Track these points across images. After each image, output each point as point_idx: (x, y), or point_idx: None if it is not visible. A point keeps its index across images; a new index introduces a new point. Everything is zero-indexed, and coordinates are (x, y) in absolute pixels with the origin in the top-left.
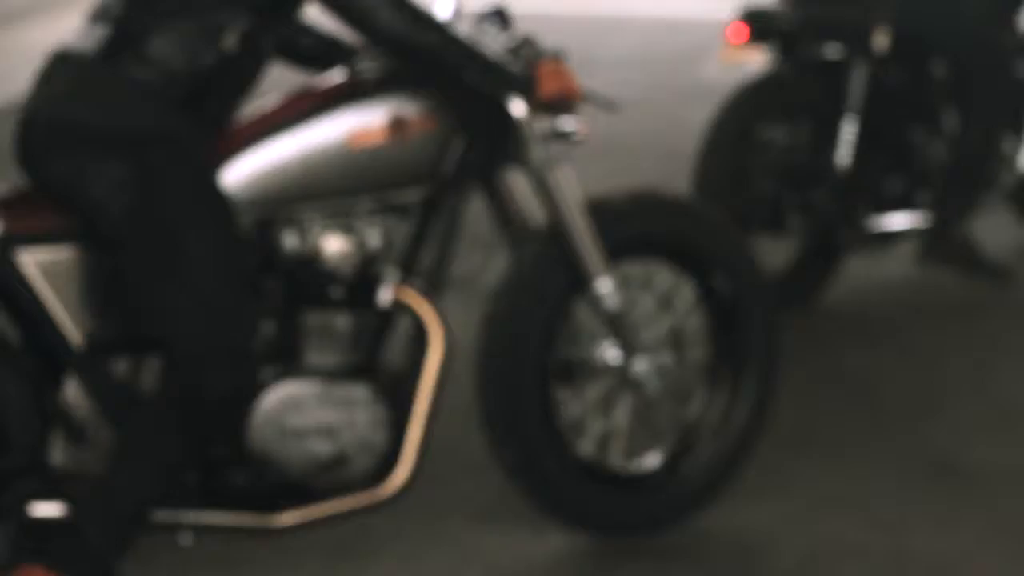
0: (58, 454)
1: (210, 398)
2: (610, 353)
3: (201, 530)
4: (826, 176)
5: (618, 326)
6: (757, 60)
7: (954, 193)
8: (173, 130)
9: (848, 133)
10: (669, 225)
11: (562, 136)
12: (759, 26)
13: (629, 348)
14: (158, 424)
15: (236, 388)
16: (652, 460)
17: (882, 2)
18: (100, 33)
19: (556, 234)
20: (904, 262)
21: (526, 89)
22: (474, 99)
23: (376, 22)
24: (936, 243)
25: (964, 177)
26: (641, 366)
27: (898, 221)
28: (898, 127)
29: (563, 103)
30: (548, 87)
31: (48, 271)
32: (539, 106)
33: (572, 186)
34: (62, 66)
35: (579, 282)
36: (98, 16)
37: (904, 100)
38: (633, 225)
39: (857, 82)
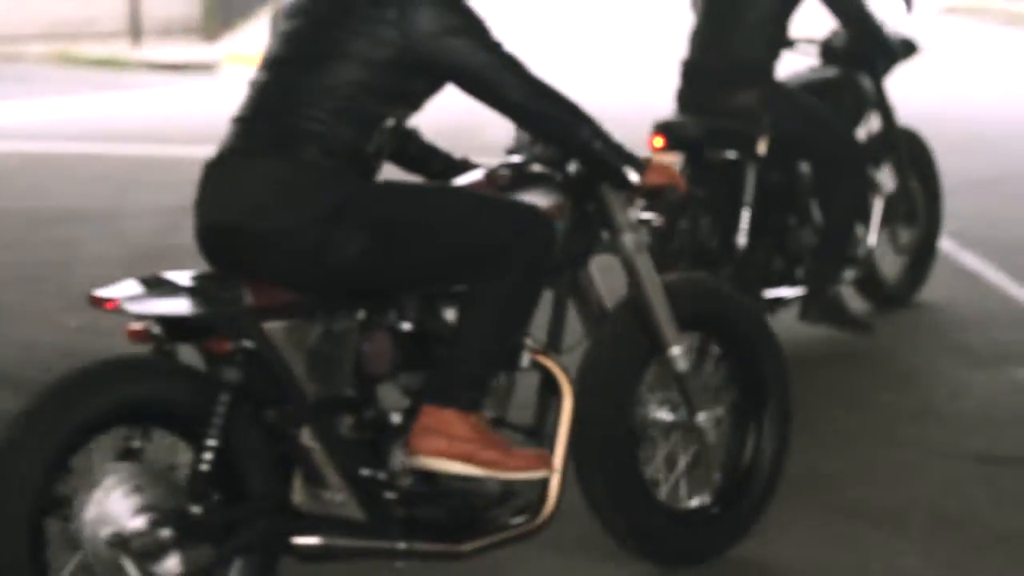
0: (298, 493)
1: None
2: (679, 410)
3: (408, 555)
4: (728, 257)
5: (684, 386)
6: (673, 161)
7: (822, 268)
8: (368, 197)
9: (744, 221)
10: (707, 303)
11: (643, 224)
12: (672, 136)
13: (694, 404)
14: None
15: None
16: (704, 497)
17: (762, 116)
18: (276, 130)
19: (638, 308)
20: (789, 322)
21: (641, 169)
22: (587, 182)
23: (507, 99)
24: (811, 306)
25: (829, 255)
26: (702, 418)
27: (782, 291)
28: (779, 216)
29: (662, 194)
30: (656, 176)
31: (286, 337)
32: (643, 191)
33: (652, 268)
34: (247, 165)
35: (655, 349)
36: (271, 113)
37: (782, 194)
38: (685, 303)
39: (749, 180)
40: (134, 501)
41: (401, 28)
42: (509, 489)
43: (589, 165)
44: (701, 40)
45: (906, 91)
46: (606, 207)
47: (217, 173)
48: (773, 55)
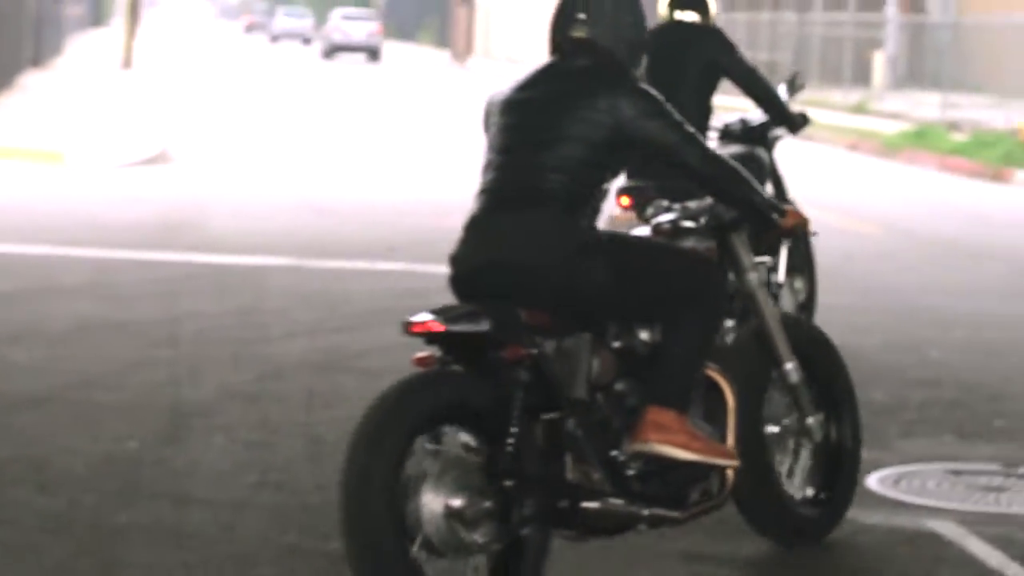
0: (570, 472)
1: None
2: (792, 415)
3: (647, 520)
4: None
5: (796, 394)
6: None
7: None
8: (601, 240)
9: None
10: (797, 330)
11: (760, 264)
12: (636, 197)
13: (804, 409)
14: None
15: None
16: (812, 487)
17: None
18: (525, 193)
19: (759, 334)
20: None
21: (782, 214)
22: (722, 232)
23: (690, 165)
24: None
25: None
26: (811, 421)
27: None
28: None
29: (795, 230)
30: (792, 218)
31: (550, 349)
32: (785, 231)
33: (770, 302)
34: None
35: (774, 365)
36: (517, 182)
37: None
38: (788, 332)
39: None
40: (455, 483)
41: (612, 115)
42: (705, 473)
43: (748, 213)
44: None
45: None
46: (735, 252)
47: (480, 228)
48: (702, 129)
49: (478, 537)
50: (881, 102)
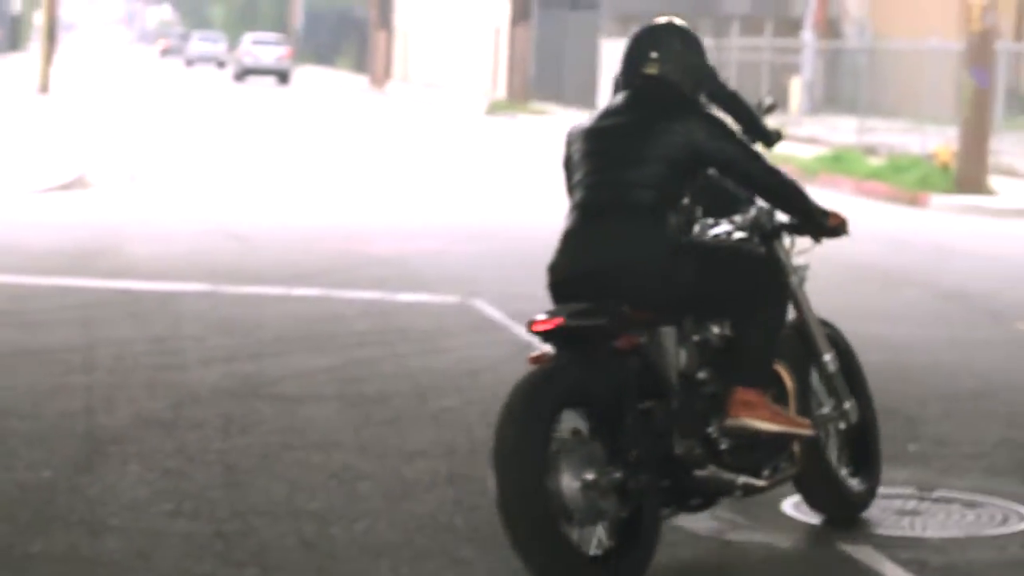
0: (677, 447)
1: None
2: (829, 402)
3: (742, 488)
4: None
5: (833, 383)
6: None
7: None
8: (688, 245)
9: None
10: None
11: (800, 268)
12: None
13: (841, 396)
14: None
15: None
16: (849, 466)
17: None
18: (619, 206)
19: (800, 329)
20: None
21: (827, 217)
22: (768, 237)
23: (754, 178)
24: None
25: None
26: (847, 405)
27: None
28: None
29: (837, 233)
30: (835, 219)
31: (650, 339)
32: (830, 233)
33: (808, 300)
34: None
35: (813, 357)
36: (609, 197)
37: None
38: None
39: None
40: (585, 459)
41: (687, 137)
42: (785, 444)
43: (801, 217)
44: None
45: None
46: (776, 256)
47: (578, 238)
48: None
49: (609, 506)
50: (799, 127)
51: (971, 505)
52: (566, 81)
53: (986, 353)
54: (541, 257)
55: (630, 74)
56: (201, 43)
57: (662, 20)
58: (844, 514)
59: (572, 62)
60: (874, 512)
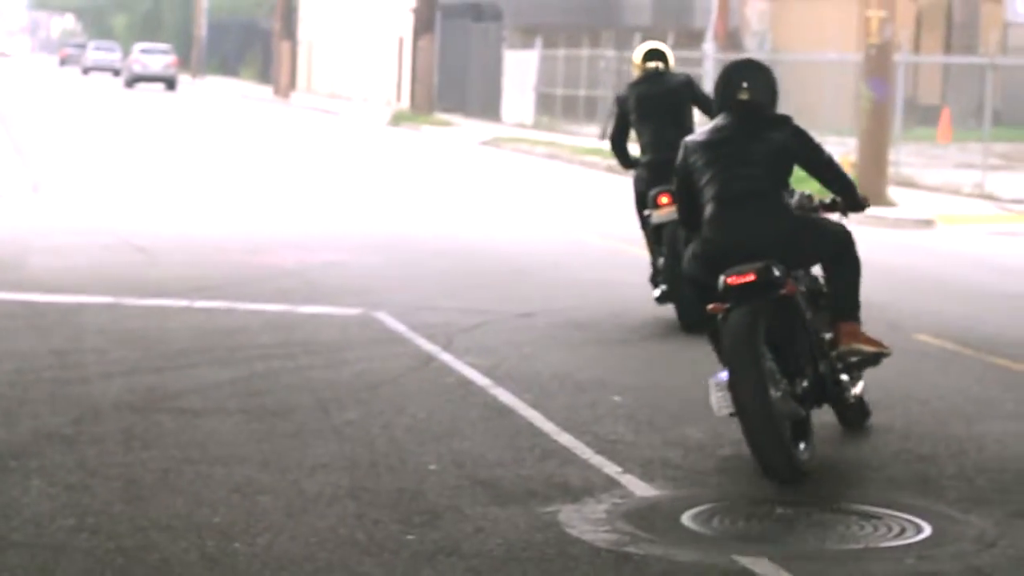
0: (821, 365)
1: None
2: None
3: (850, 403)
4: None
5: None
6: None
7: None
8: (803, 219)
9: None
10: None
11: None
12: (671, 195)
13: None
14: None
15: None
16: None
17: None
18: (751, 193)
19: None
20: None
21: (866, 198)
22: (815, 213)
23: (823, 168)
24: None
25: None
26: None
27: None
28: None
29: (864, 207)
30: (866, 199)
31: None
32: (864, 208)
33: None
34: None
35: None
36: (741, 186)
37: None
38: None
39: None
40: (774, 377)
41: (781, 143)
42: (877, 359)
43: (849, 196)
44: (655, 143)
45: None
46: None
47: (722, 220)
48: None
49: (802, 410)
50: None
51: (869, 517)
52: (470, 92)
53: (884, 364)
54: (443, 268)
55: (727, 99)
56: (97, 52)
57: (745, 58)
58: (853, 424)
59: (476, 73)
60: (774, 525)
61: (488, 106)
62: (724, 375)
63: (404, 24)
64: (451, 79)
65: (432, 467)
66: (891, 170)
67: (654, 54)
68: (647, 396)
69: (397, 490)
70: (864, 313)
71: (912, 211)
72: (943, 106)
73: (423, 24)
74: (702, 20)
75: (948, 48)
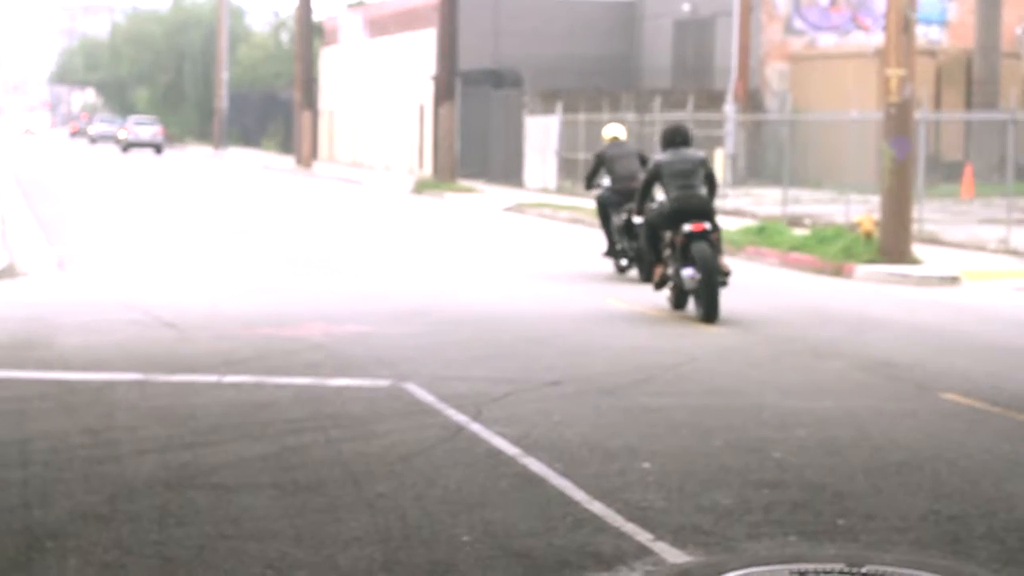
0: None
1: None
2: None
3: None
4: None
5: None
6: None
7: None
8: None
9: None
10: None
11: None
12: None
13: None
14: None
15: None
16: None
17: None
18: (700, 192)
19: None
20: None
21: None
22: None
23: (711, 180)
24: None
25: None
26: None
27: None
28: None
29: None
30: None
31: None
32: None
33: None
34: None
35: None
36: (693, 192)
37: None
38: None
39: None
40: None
41: (706, 168)
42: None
43: (712, 194)
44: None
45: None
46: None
47: (686, 197)
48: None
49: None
50: (724, 199)
51: None
52: (492, 158)
53: (912, 424)
54: (468, 336)
55: (676, 141)
56: (101, 124)
57: (677, 123)
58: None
59: (497, 139)
60: None
61: (510, 172)
62: (691, 271)
63: (425, 92)
64: (473, 146)
65: (465, 538)
66: (915, 227)
67: (615, 130)
68: (676, 462)
69: (431, 563)
70: (891, 372)
71: (937, 268)
72: (966, 162)
73: (444, 91)
74: (722, 82)
75: (969, 104)
